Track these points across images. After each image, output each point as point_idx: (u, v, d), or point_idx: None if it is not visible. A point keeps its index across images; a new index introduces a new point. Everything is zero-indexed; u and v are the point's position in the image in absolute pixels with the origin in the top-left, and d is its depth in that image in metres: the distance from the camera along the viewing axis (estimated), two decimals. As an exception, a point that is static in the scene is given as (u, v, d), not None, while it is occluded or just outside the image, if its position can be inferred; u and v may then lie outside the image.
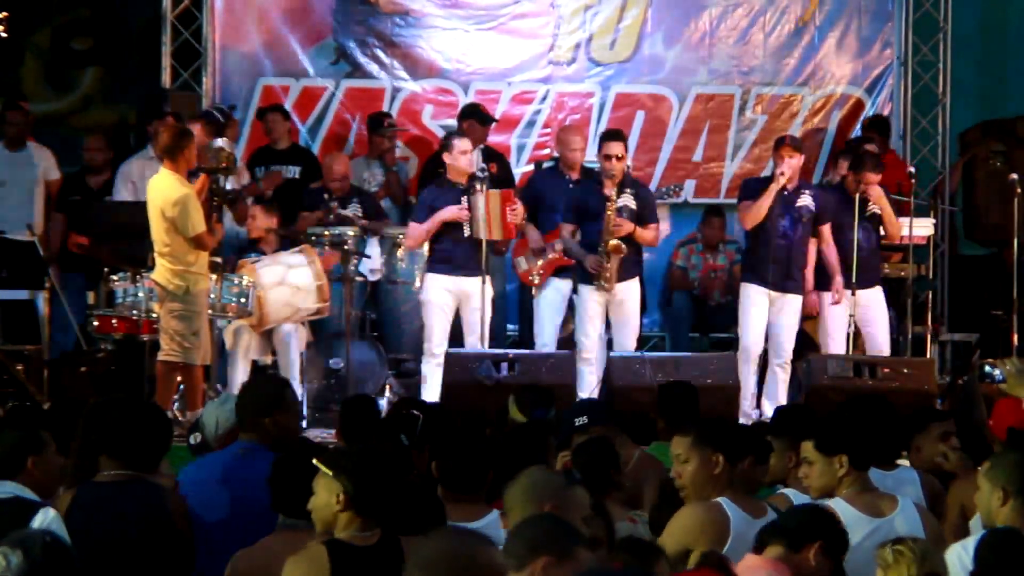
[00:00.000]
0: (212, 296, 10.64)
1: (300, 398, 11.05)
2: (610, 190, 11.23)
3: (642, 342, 12.03)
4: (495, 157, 12.94)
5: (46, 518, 5.28)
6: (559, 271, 11.66)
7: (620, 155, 11.32)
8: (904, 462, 7.28)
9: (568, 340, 11.72)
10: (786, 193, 11.31)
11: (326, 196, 12.23)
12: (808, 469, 6.07)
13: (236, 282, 10.90)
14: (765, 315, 11.35)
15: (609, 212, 11.18)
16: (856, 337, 11.65)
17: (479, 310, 11.18)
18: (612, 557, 4.99)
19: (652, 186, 13.02)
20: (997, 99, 14.57)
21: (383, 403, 11.02)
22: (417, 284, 11.87)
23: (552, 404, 8.51)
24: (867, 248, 11.57)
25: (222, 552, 5.62)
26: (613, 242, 11.16)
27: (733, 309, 11.88)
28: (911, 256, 12.38)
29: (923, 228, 12.58)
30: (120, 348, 11.31)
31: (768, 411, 10.84)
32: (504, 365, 10.50)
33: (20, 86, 14.88)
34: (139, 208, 10.80)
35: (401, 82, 13.82)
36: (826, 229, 11.49)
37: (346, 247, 11.68)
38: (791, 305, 11.38)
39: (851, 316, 11.53)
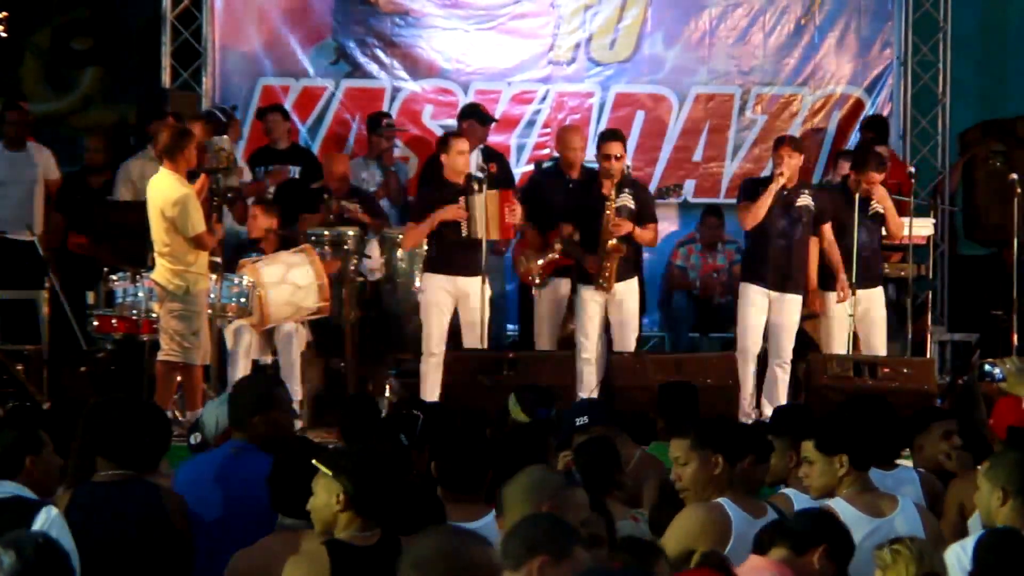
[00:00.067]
0: (212, 296, 10.63)
1: (300, 398, 11.09)
2: (609, 190, 11.23)
3: (642, 342, 12.04)
4: (495, 157, 12.92)
5: (48, 517, 5.26)
6: (559, 271, 11.67)
7: (619, 155, 11.32)
8: (904, 462, 7.28)
9: (568, 340, 11.72)
10: (785, 193, 11.31)
11: (326, 196, 12.23)
12: (808, 469, 6.06)
13: (236, 282, 10.90)
14: (764, 316, 11.35)
15: (608, 212, 11.19)
16: (857, 337, 11.65)
17: (478, 310, 11.18)
18: (612, 557, 4.98)
19: (652, 186, 13.03)
20: (997, 99, 14.56)
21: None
22: (417, 284, 11.87)
23: (554, 403, 8.50)
24: (869, 248, 11.56)
25: (215, 551, 5.62)
26: (612, 242, 11.15)
27: (733, 309, 11.87)
28: (911, 256, 12.39)
29: (923, 228, 12.58)
30: (120, 348, 11.31)
31: (768, 411, 10.84)
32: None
33: (20, 86, 14.87)
34: (139, 208, 10.81)
35: (401, 82, 13.82)
36: (827, 228, 11.48)
37: (346, 247, 11.68)
38: (791, 305, 11.36)
39: (851, 316, 11.53)
